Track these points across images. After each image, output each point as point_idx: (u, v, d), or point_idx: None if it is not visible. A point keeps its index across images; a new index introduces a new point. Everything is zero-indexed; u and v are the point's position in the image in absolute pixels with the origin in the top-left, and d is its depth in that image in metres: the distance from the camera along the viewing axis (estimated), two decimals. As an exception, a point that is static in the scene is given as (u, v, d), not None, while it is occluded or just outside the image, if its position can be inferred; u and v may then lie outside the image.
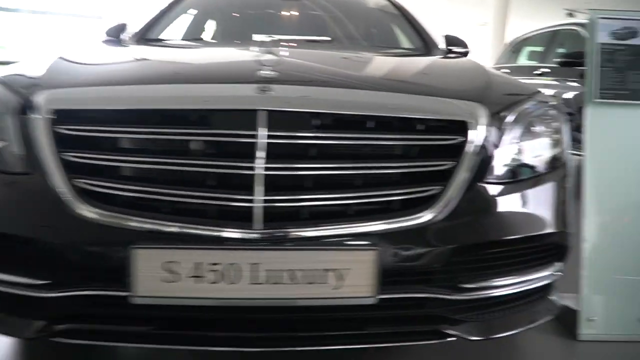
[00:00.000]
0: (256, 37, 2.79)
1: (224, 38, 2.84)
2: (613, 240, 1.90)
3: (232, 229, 1.17)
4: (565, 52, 5.04)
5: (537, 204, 1.45)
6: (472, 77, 1.71)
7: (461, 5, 15.40)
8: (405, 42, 2.90)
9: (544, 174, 1.49)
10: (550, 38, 5.87)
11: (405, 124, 1.30)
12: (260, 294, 1.17)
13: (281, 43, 2.27)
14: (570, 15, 13.77)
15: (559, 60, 4.78)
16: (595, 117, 1.88)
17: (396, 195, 1.26)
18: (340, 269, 1.18)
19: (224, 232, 1.17)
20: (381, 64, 1.85)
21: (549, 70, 5.38)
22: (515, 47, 6.75)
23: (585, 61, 1.89)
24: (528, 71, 5.83)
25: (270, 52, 1.69)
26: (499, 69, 6.65)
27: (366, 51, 2.30)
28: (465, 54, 2.95)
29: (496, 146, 1.39)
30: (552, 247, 1.48)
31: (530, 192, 1.43)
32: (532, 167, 1.47)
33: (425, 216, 1.26)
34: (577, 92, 4.64)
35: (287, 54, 1.83)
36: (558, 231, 1.47)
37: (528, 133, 1.48)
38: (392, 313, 1.28)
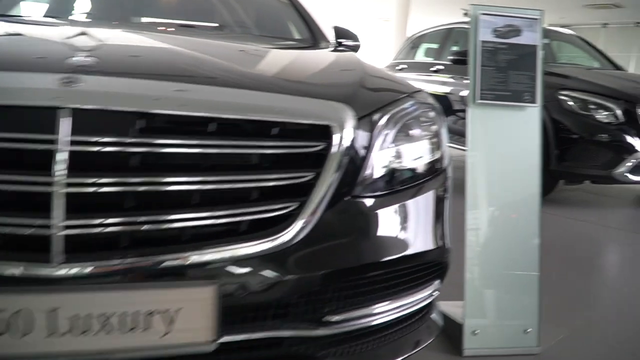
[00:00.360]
0: (133, 19, 2.50)
1: (91, 18, 2.48)
2: (498, 238, 1.82)
3: (19, 263, 0.89)
4: (457, 49, 5.10)
5: (415, 217, 1.30)
6: (346, 74, 1.53)
7: (365, 0, 15.54)
8: (293, 33, 2.70)
9: (422, 182, 1.34)
10: (445, 35, 5.95)
11: (255, 128, 1.09)
12: (62, 349, 0.91)
13: (157, 27, 2.00)
14: (467, 15, 14.30)
15: (451, 57, 4.82)
16: (477, 118, 1.79)
17: (243, 215, 1.04)
18: (169, 310, 0.95)
19: (7, 268, 0.89)
20: (248, 56, 1.62)
21: (443, 67, 5.44)
22: (414, 43, 6.80)
23: (468, 60, 1.78)
24: (426, 67, 5.88)
25: (98, 35, 1.41)
26: (397, 64, 6.67)
27: (243, 41, 2.07)
28: (356, 48, 2.80)
29: (367, 153, 1.21)
30: (432, 265, 1.34)
31: (407, 205, 1.27)
32: (408, 176, 1.31)
33: (280, 239, 1.05)
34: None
35: (126, 37, 1.56)
36: (438, 247, 1.33)
37: (404, 137, 1.32)
38: (240, 358, 1.07)
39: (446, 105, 5.24)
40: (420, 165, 1.35)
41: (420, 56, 6.63)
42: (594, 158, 3.80)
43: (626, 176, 3.72)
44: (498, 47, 1.76)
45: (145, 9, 2.70)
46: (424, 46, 6.68)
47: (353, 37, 2.84)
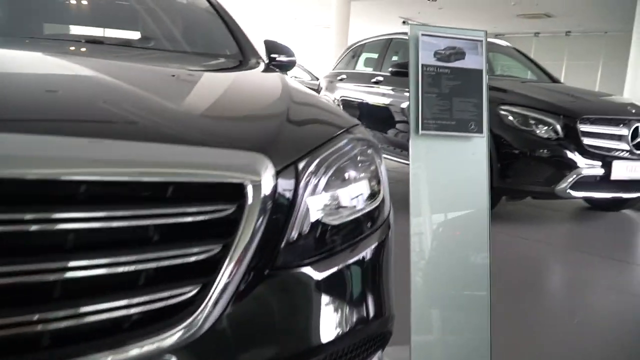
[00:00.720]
0: (48, 28, 2.19)
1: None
2: (443, 269, 1.65)
3: None
4: (396, 61, 5.00)
5: (354, 286, 1.09)
6: (269, 108, 1.30)
7: (306, 8, 15.41)
8: (220, 47, 2.45)
9: (361, 240, 1.13)
10: (385, 46, 5.85)
11: (149, 191, 0.85)
12: None
13: (69, 46, 1.72)
14: (405, 23, 14.46)
15: (390, 69, 4.71)
16: (419, 148, 1.60)
17: (124, 308, 0.79)
18: None
19: None
20: (158, 86, 1.34)
21: (383, 79, 5.32)
22: (354, 52, 6.67)
23: (409, 82, 1.60)
24: (366, 78, 5.75)
25: None
26: (338, 74, 6.52)
27: (161, 62, 1.81)
28: (290, 64, 2.58)
29: (291, 212, 0.98)
30: (373, 338, 1.13)
31: (343, 272, 1.06)
32: (344, 234, 1.10)
33: (175, 334, 0.81)
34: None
35: (24, 64, 1.28)
36: (381, 317, 1.13)
37: (338, 185, 1.11)
38: None
39: (387, 117, 5.12)
40: (357, 219, 1.14)
41: (360, 66, 6.51)
42: (535, 174, 3.74)
43: (568, 192, 3.68)
44: (440, 72, 1.59)
45: (62, 18, 2.41)
46: (364, 56, 6.56)
47: (287, 52, 2.60)
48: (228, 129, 1.05)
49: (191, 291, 0.84)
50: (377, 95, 5.35)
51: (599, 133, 3.76)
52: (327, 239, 1.05)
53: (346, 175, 1.15)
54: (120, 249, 0.81)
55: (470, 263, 1.69)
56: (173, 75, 1.48)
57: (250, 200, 0.90)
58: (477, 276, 1.68)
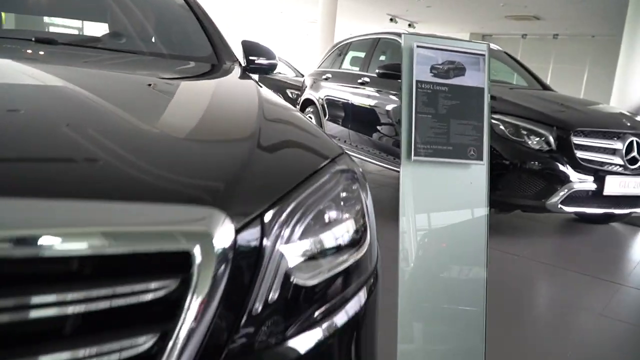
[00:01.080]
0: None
1: None
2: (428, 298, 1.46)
3: None
4: (384, 63, 4.80)
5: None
6: (233, 134, 1.09)
7: (292, 1, 15.13)
8: (193, 48, 2.23)
9: (345, 302, 0.94)
10: (373, 45, 5.65)
11: (55, 267, 0.63)
12: None
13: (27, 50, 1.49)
14: (392, 20, 14.30)
15: (377, 71, 4.51)
16: (410, 175, 1.41)
17: None
18: None
19: None
20: (113, 111, 1.10)
21: (369, 80, 5.12)
22: (340, 50, 6.46)
23: (400, 98, 1.40)
24: (352, 78, 5.54)
25: None
26: (323, 73, 6.30)
27: (126, 68, 1.59)
28: (271, 67, 2.36)
29: (255, 278, 0.78)
30: None
31: (322, 348, 0.86)
32: (324, 298, 0.90)
33: None
34: (396, 105, 4.44)
35: None
36: None
37: (316, 235, 0.91)
38: None
39: (372, 119, 4.93)
40: (339, 275, 0.94)
41: (346, 65, 6.30)
42: (526, 187, 3.58)
43: (560, 207, 3.53)
44: (437, 90, 1.39)
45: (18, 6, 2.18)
46: (351, 54, 6.35)
47: (267, 54, 2.37)
48: (180, 171, 0.83)
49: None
50: (363, 97, 5.16)
51: (593, 146, 3.61)
52: (301, 306, 0.85)
53: (326, 221, 0.95)
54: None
55: (464, 280, 1.52)
56: (139, 94, 1.25)
57: (197, 272, 0.69)
58: (472, 294, 1.51)
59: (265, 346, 0.77)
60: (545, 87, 5.03)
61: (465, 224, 1.44)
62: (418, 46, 1.37)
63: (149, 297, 0.65)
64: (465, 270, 1.56)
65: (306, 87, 6.59)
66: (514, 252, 3.47)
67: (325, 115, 5.90)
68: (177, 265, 0.68)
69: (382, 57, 5.51)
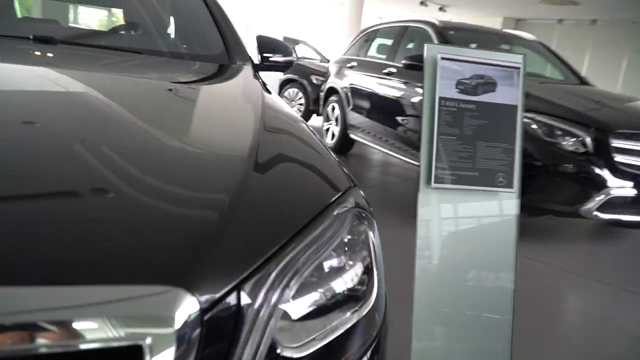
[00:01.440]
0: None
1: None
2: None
3: None
4: (410, 54, 4.57)
5: None
6: (223, 164, 0.94)
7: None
8: (207, 45, 2.09)
9: None
10: (400, 33, 5.42)
11: None
12: None
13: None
14: (422, 4, 13.88)
15: (404, 62, 4.30)
16: (429, 203, 1.25)
17: None
18: None
19: None
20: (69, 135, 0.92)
21: (396, 70, 4.91)
22: (367, 37, 6.24)
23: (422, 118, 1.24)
24: (378, 68, 5.33)
25: None
26: (348, 60, 6.10)
27: (109, 71, 1.46)
28: (287, 64, 2.21)
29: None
30: None
31: None
32: None
33: None
34: (422, 98, 4.24)
35: None
36: None
37: (310, 295, 0.77)
38: None
39: (397, 111, 4.73)
40: (339, 340, 0.80)
41: (373, 52, 6.07)
42: (558, 191, 3.36)
43: (595, 215, 3.30)
44: (463, 108, 1.22)
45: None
46: (378, 42, 6.12)
47: (283, 51, 2.21)
48: (141, 236, 0.68)
49: None
50: (389, 88, 4.95)
51: (634, 150, 3.35)
52: None
53: (326, 274, 0.81)
54: None
55: (490, 287, 1.36)
56: (108, 108, 1.11)
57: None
58: (497, 301, 1.36)
59: None
60: (582, 81, 4.74)
61: (490, 259, 1.28)
62: (443, 58, 1.20)
63: None
64: (490, 277, 1.40)
65: (330, 74, 6.40)
66: (544, 260, 3.27)
67: (348, 105, 5.71)
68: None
69: (410, 46, 5.28)
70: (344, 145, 5.99)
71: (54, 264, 0.58)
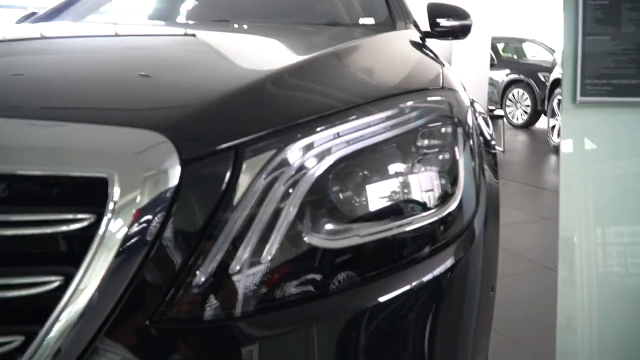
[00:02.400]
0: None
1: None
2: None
3: None
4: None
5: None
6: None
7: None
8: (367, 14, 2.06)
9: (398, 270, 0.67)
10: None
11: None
12: None
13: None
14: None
15: None
16: (576, 127, 1.00)
17: None
18: None
19: None
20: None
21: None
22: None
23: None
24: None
25: None
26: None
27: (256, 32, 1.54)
28: (462, 30, 2.04)
29: (220, 225, 0.57)
30: None
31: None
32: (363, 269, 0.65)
33: None
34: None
35: None
36: None
37: (358, 186, 0.66)
38: None
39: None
40: (393, 239, 0.67)
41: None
42: None
43: None
44: (618, 2, 0.95)
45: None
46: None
47: (456, 14, 2.04)
48: (151, 97, 0.69)
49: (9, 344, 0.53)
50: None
51: None
52: (317, 270, 0.62)
53: (380, 166, 0.69)
54: None
55: None
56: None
57: (115, 205, 0.54)
58: None
59: (227, 317, 0.58)
60: None
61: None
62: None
63: (60, 229, 0.53)
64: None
65: (556, 64, 5.77)
66: None
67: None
68: (96, 197, 0.55)
69: None
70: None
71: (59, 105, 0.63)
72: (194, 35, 1.27)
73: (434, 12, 2.05)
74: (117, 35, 1.18)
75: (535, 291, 2.10)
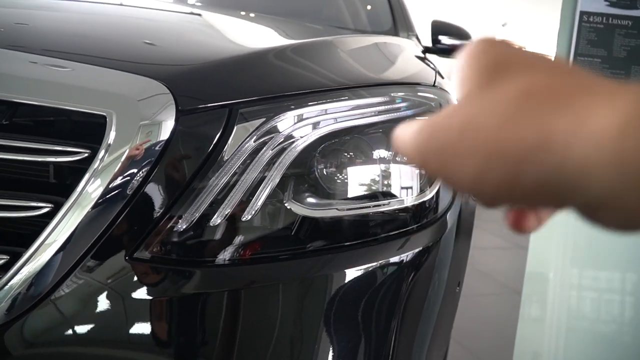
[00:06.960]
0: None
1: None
2: None
3: None
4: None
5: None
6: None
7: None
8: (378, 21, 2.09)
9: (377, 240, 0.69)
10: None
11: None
12: None
13: None
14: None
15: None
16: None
17: None
18: None
19: None
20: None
21: None
22: None
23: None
24: None
25: None
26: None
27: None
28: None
29: (210, 170, 0.60)
30: None
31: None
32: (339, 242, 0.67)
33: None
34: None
35: None
36: None
37: (343, 163, 0.69)
38: None
39: None
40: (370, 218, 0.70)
41: None
42: None
43: None
44: (612, 25, 0.99)
45: None
46: None
47: (460, 34, 2.09)
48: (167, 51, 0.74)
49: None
50: None
51: None
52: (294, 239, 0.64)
53: (369, 148, 0.72)
54: None
55: None
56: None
57: (109, 142, 0.56)
58: None
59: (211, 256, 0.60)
60: None
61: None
62: (588, -35, 1.00)
63: (59, 159, 0.55)
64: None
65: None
66: None
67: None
68: (93, 135, 0.57)
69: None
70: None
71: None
72: (200, 15, 1.31)
73: (438, 29, 2.09)
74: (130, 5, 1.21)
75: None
